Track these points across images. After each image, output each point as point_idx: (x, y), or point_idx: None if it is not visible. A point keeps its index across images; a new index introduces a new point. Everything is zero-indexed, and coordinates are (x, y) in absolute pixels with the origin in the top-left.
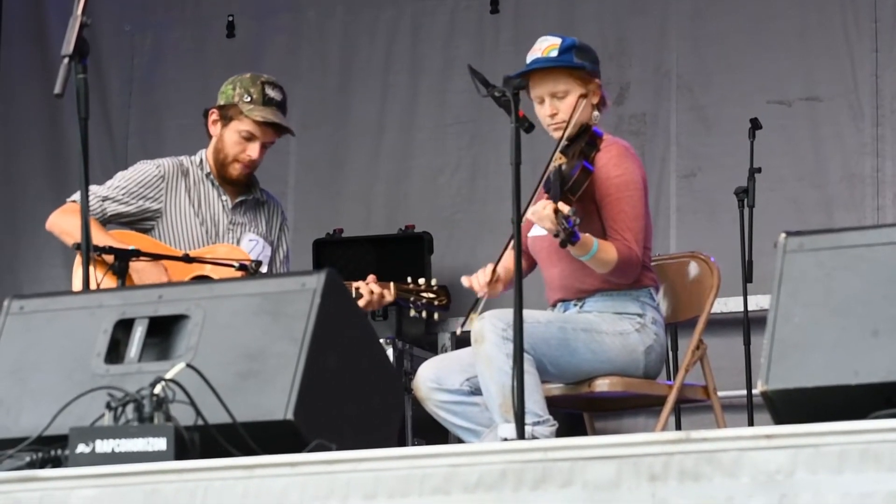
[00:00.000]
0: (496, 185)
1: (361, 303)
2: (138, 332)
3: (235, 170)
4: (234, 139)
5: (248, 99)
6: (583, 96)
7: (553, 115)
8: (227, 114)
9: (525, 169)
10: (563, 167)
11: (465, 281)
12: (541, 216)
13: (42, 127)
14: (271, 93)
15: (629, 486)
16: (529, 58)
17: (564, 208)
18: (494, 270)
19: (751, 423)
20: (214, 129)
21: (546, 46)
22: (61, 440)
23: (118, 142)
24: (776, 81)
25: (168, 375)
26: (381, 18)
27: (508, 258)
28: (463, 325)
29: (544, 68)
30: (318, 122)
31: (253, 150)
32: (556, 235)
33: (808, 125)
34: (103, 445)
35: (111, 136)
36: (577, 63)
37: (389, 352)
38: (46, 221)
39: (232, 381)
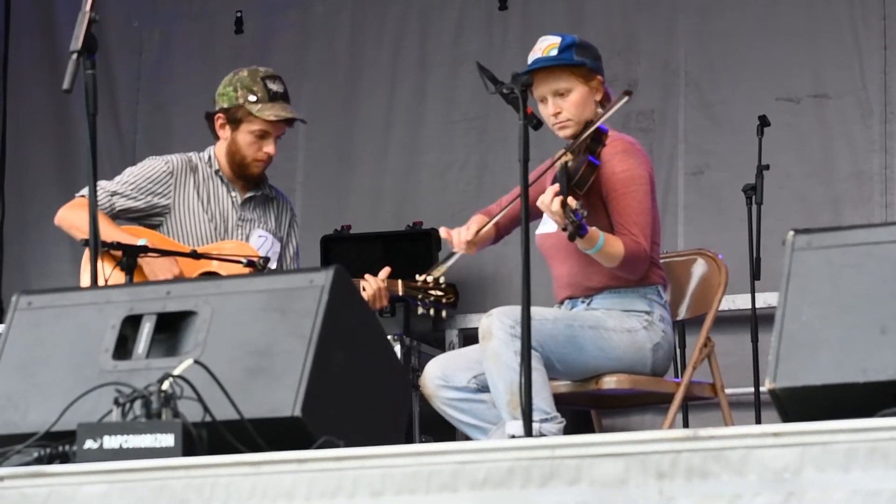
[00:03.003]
0: (504, 182)
1: (365, 296)
2: (146, 329)
3: (257, 168)
4: (248, 140)
5: (254, 99)
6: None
7: (556, 114)
8: (235, 116)
9: (533, 166)
10: (570, 163)
11: (443, 232)
12: (548, 208)
13: (50, 122)
14: (274, 86)
15: (637, 484)
16: (530, 58)
17: (572, 202)
18: (477, 233)
19: (758, 421)
20: (224, 133)
21: (546, 46)
22: (69, 436)
23: (126, 137)
24: (785, 78)
25: (176, 372)
26: (389, 14)
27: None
28: (430, 274)
29: (546, 67)
30: (326, 118)
31: (269, 146)
32: (565, 229)
33: (816, 122)
34: (111, 441)
35: (119, 131)
36: (577, 60)
37: (397, 348)
38: (55, 216)
39: (240, 378)
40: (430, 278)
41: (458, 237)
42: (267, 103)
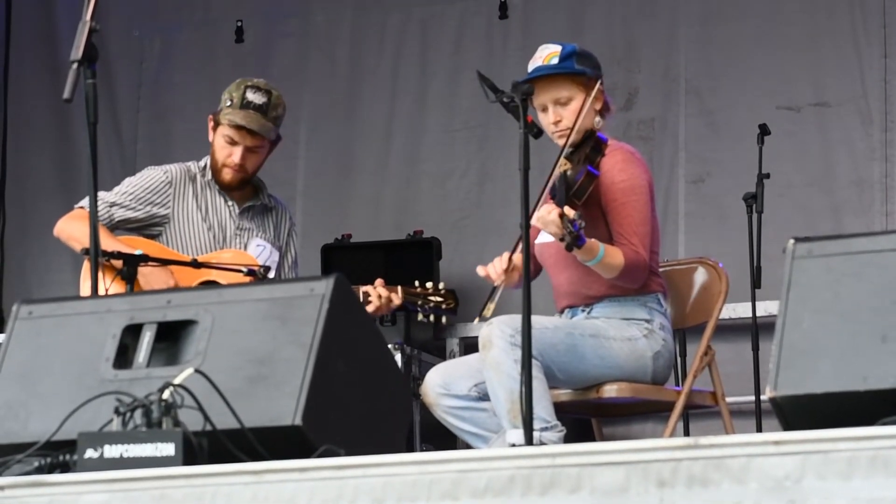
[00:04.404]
0: (504, 191)
1: (369, 308)
2: (147, 338)
3: (227, 175)
4: (220, 144)
5: (229, 103)
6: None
7: (557, 123)
8: (216, 119)
9: (533, 174)
10: (569, 172)
11: (480, 270)
12: (545, 221)
13: (51, 132)
14: (251, 96)
15: (637, 492)
16: (530, 66)
17: (570, 212)
18: (510, 259)
19: (759, 429)
20: (211, 136)
21: (547, 54)
22: (70, 445)
23: (127, 146)
24: (785, 87)
25: (176, 381)
26: (390, 23)
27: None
28: (480, 315)
29: (546, 76)
30: (327, 127)
31: (236, 154)
32: (562, 240)
33: (817, 131)
34: (112, 451)
35: (120, 140)
36: (578, 69)
37: (397, 357)
38: (54, 227)
39: (240, 387)
40: (476, 320)
41: (495, 270)
42: (236, 110)
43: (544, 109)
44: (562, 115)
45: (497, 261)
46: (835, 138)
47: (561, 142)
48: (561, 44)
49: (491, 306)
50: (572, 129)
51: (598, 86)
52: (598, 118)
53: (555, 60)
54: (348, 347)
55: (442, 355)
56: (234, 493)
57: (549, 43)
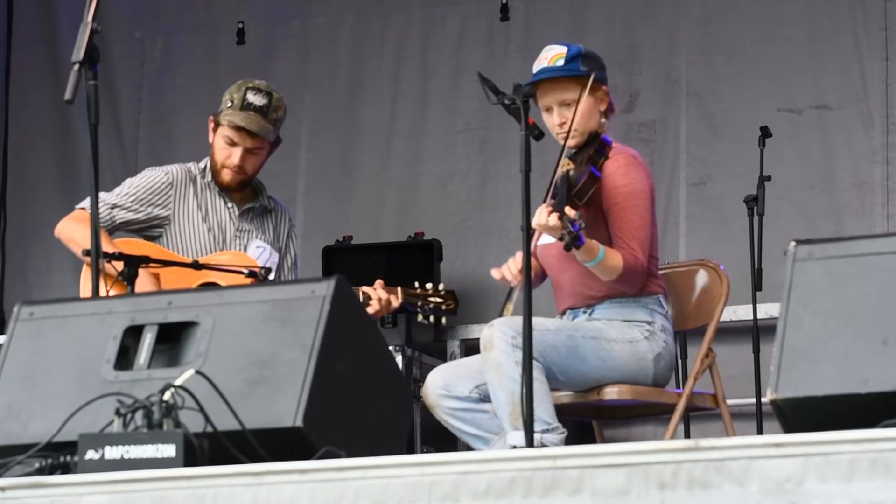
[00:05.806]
0: (505, 193)
1: (369, 309)
2: (148, 339)
3: (226, 176)
4: (220, 145)
5: (230, 104)
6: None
7: (562, 124)
8: (217, 120)
9: (534, 176)
10: (571, 172)
11: (495, 273)
12: (544, 226)
13: (52, 133)
14: (252, 97)
15: (638, 494)
16: (536, 67)
17: (570, 212)
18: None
19: (760, 432)
20: (211, 137)
21: (552, 55)
22: (70, 446)
23: (128, 148)
24: (786, 89)
25: (177, 382)
26: (391, 25)
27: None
28: (500, 315)
29: (552, 77)
30: (328, 129)
31: (236, 155)
32: (561, 239)
33: (818, 133)
34: (112, 452)
35: (121, 142)
36: (584, 71)
37: (398, 359)
38: (55, 228)
39: (241, 388)
40: (501, 315)
41: (510, 271)
42: (236, 111)
43: (549, 110)
44: (567, 116)
45: (511, 261)
46: (836, 141)
47: (567, 143)
48: (566, 45)
49: (510, 307)
50: (570, 127)
51: (598, 85)
52: (602, 119)
53: (560, 62)
54: (349, 349)
55: (443, 357)
56: (234, 495)
57: (554, 44)
